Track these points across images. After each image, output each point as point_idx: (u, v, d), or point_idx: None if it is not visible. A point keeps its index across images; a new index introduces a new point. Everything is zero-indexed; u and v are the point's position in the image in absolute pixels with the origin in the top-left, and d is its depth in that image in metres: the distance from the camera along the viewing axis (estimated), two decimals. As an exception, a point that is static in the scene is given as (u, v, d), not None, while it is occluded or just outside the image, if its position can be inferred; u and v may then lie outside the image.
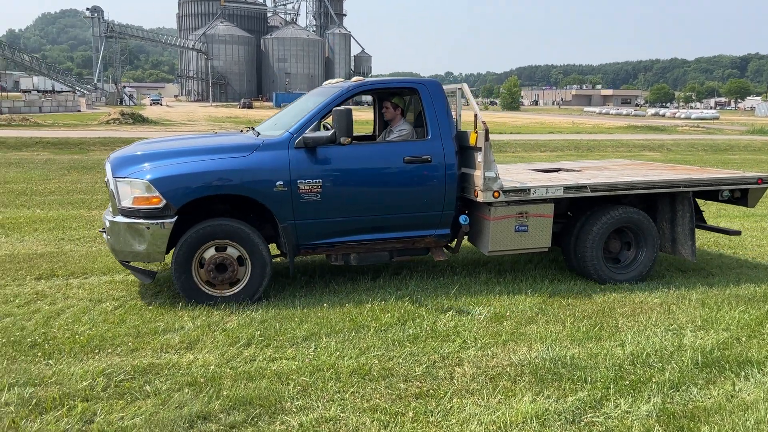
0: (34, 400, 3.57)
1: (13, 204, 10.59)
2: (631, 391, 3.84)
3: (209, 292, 5.43)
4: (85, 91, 79.80)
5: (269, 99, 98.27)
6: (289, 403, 3.63)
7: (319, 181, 5.51)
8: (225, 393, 3.70)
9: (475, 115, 5.61)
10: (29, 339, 4.50)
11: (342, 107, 5.52)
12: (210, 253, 5.41)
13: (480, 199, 5.73)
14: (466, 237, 6.15)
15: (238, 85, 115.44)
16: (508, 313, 5.23)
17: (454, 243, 6.11)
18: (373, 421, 3.46)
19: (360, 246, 5.86)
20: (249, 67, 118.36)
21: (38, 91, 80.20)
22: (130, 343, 4.47)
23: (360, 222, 5.76)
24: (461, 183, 5.96)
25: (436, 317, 5.12)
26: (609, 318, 5.18)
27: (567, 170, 7.29)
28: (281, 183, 5.42)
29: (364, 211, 5.74)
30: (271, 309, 5.25)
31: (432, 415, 3.55)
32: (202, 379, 3.88)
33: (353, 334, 4.72)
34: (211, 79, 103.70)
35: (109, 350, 4.35)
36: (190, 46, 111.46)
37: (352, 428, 3.39)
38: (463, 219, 5.78)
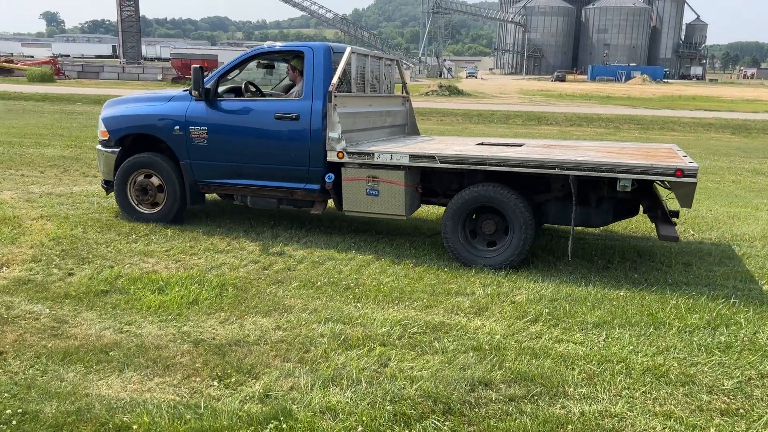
0: (343, 336, 4.05)
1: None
2: None
3: (137, 209, 6.96)
4: (409, 65, 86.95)
5: (584, 72, 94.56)
6: (572, 389, 3.48)
7: (205, 129, 6.56)
8: (507, 365, 3.71)
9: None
10: (344, 282, 5.12)
11: (197, 65, 6.66)
12: (138, 178, 6.92)
13: (327, 158, 6.08)
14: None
15: (553, 57, 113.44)
16: None
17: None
18: (664, 428, 3.13)
19: (247, 189, 6.60)
20: (566, 38, 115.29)
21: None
22: (425, 300, 4.77)
23: (240, 168, 6.55)
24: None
25: (759, 327, 4.38)
26: None
27: (530, 146, 6.56)
28: (178, 128, 6.65)
29: (242, 158, 6.51)
30: (563, 288, 5.09)
31: (739, 439, 3.06)
32: (486, 347, 3.95)
33: (651, 330, 4.31)
34: (526, 51, 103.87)
35: (407, 303, 4.71)
36: (509, 19, 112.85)
37: (638, 430, 3.12)
38: (328, 177, 6.13)
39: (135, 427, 2.95)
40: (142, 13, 61.03)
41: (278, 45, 6.92)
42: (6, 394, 3.19)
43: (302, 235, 6.64)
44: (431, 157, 5.74)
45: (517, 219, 5.57)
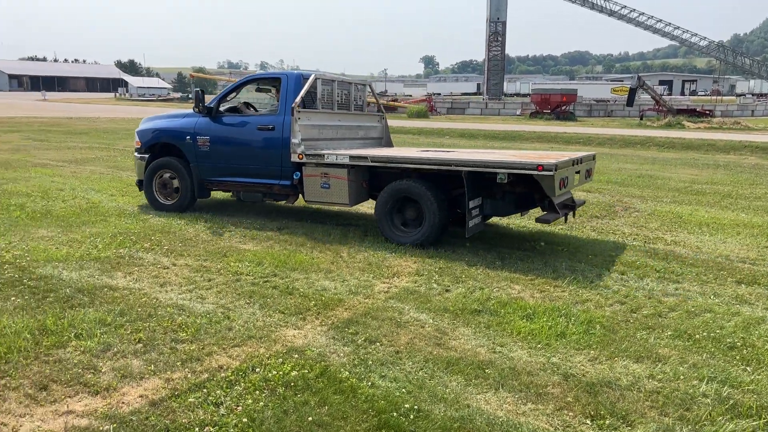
0: (731, 401, 3.60)
1: (719, 205, 10.86)
2: None
3: (159, 200, 8.96)
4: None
5: None
6: None
7: (207, 138, 8.44)
8: None
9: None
10: (728, 340, 4.55)
11: (198, 89, 8.69)
12: (165, 176, 8.88)
13: (291, 159, 7.78)
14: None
15: None
16: None
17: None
18: None
19: (239, 186, 8.42)
20: None
21: (752, 94, 79.08)
22: (840, 378, 3.93)
23: (233, 168, 8.33)
24: None
25: None
26: None
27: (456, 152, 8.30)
28: (189, 137, 8.58)
29: (234, 160, 8.29)
30: None
31: None
32: None
33: None
34: None
35: (814, 378, 3.94)
36: None
37: None
38: (295, 174, 7.83)
39: (513, 447, 3.07)
40: (506, 51, 64.82)
41: (263, 73, 9.55)
42: (404, 390, 3.65)
43: (673, 279, 6.14)
44: (364, 157, 7.41)
45: (428, 207, 7.00)
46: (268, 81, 9.22)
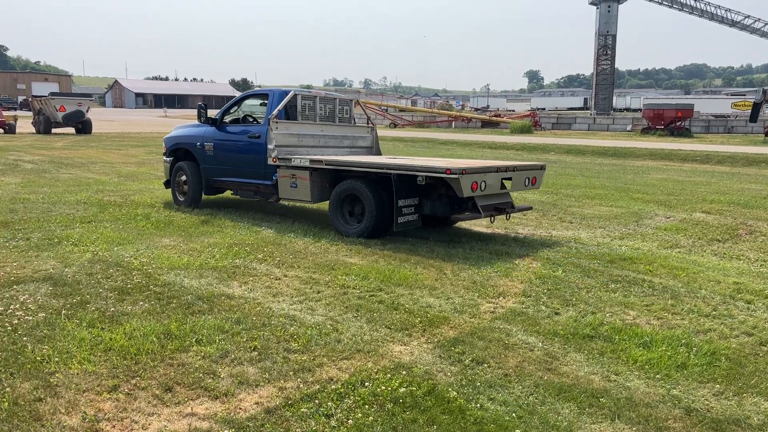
0: None
1: None
2: None
3: (178, 197, 10.66)
4: None
5: None
6: None
7: (212, 143, 10.17)
8: None
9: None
10: None
11: (201, 103, 10.58)
12: (182, 178, 10.59)
13: (268, 162, 9.26)
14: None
15: None
16: None
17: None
18: None
19: (236, 185, 10.04)
20: None
21: None
22: None
23: (230, 170, 9.96)
24: None
25: None
26: None
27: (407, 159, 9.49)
28: (198, 143, 10.35)
29: (231, 163, 9.92)
30: None
31: None
32: None
33: None
34: None
35: None
36: None
37: None
38: (275, 176, 9.25)
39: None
40: (615, 65, 62.43)
41: (257, 90, 10.87)
42: (513, 414, 3.57)
43: (809, 312, 5.63)
44: (320, 161, 8.66)
45: (368, 204, 8.07)
46: (261, 96, 10.51)
